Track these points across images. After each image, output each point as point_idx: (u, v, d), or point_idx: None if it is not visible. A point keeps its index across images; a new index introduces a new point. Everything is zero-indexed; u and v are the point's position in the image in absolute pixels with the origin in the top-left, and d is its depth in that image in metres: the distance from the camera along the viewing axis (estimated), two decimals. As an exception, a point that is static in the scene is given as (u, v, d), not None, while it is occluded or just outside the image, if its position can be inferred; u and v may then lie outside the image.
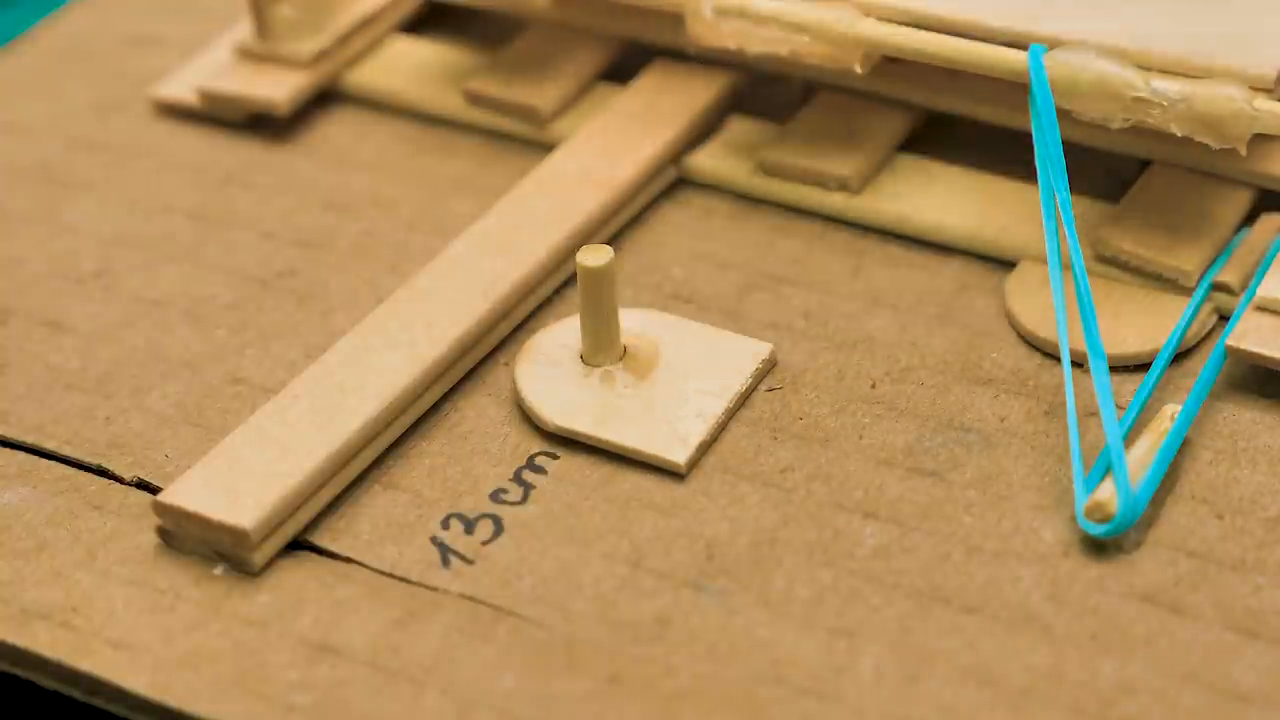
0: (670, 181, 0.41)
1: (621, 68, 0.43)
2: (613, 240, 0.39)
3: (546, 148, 0.41)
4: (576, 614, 0.32)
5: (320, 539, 0.33)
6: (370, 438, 0.34)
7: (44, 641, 0.32)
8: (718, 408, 0.35)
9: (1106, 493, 0.32)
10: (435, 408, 0.36)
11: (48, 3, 0.51)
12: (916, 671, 0.31)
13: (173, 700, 0.31)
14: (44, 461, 0.36)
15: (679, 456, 0.34)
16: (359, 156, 0.42)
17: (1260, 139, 0.36)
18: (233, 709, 0.31)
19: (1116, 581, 0.32)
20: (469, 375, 0.36)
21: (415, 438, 0.35)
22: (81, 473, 0.35)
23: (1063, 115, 0.36)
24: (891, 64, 0.39)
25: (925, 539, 0.33)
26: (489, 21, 0.41)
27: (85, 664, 0.31)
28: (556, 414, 0.35)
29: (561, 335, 0.36)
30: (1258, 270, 0.36)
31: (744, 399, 0.35)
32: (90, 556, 0.33)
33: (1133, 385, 0.35)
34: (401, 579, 0.33)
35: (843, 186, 0.39)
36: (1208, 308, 0.36)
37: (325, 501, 0.34)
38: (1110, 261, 0.37)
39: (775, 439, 0.35)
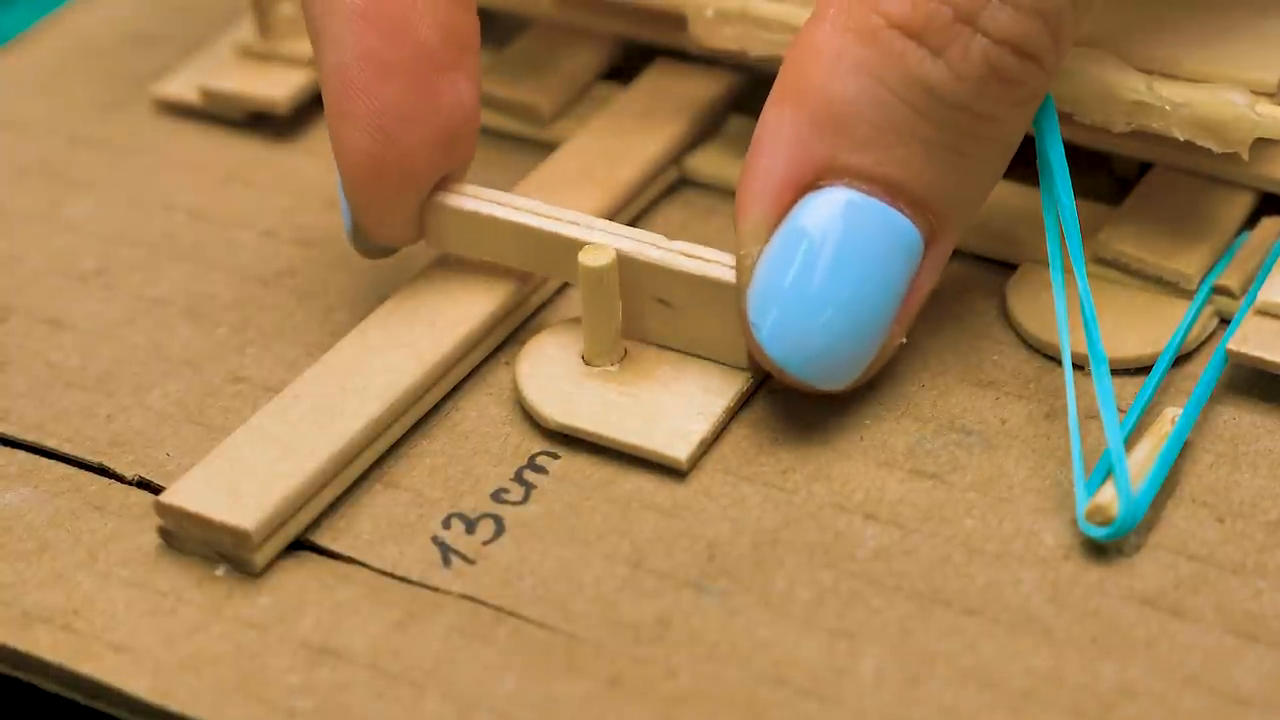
0: (672, 182, 0.41)
1: (622, 68, 0.43)
2: (614, 240, 0.39)
3: (547, 148, 0.41)
4: (577, 614, 0.32)
5: (321, 539, 0.33)
6: (372, 438, 0.34)
7: (45, 645, 0.32)
8: (719, 406, 0.35)
9: (1107, 496, 0.32)
10: (436, 407, 0.36)
11: (48, 2, 0.51)
12: (917, 673, 0.31)
13: (174, 705, 0.31)
14: (45, 461, 0.36)
15: (680, 453, 0.34)
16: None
17: (1262, 143, 0.36)
18: (234, 713, 0.31)
19: (1117, 584, 0.32)
20: (470, 375, 0.37)
21: (416, 437, 0.35)
22: (82, 472, 0.35)
23: (1064, 118, 0.36)
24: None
25: (926, 541, 0.33)
26: (490, 21, 0.40)
27: (86, 668, 0.31)
28: (557, 412, 0.35)
29: (563, 335, 0.36)
30: (1259, 274, 0.36)
31: (745, 399, 0.35)
32: (91, 558, 0.33)
33: (1133, 388, 0.35)
34: (402, 579, 0.33)
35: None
36: (1208, 311, 0.36)
37: (327, 502, 0.34)
38: (1111, 264, 0.37)
39: (776, 440, 0.35)
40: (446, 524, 0.34)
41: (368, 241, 0.37)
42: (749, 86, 0.42)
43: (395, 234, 0.37)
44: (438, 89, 0.35)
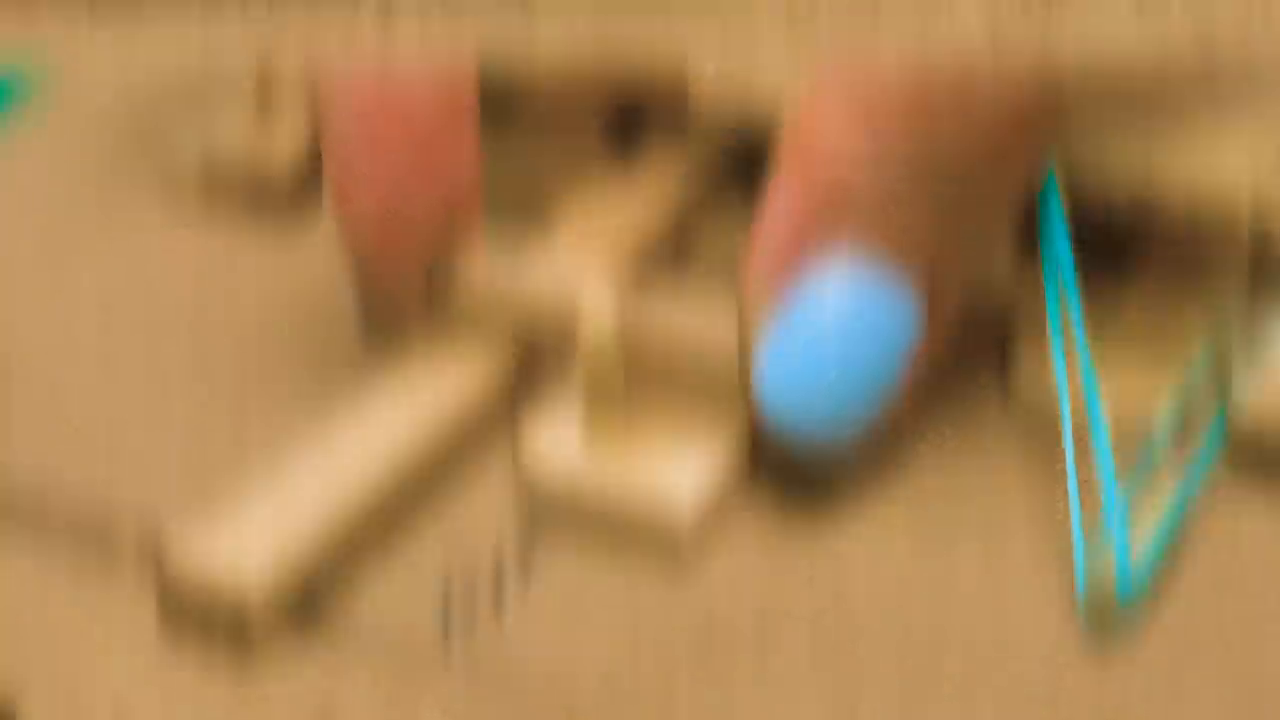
0: (671, 250, 0.41)
1: (622, 132, 0.43)
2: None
3: (544, 220, 0.41)
4: (579, 688, 0.32)
5: (321, 608, 0.33)
6: (374, 506, 0.34)
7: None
8: (719, 475, 0.35)
9: (1108, 570, 0.32)
10: (438, 475, 0.36)
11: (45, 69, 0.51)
12: (918, 748, 0.31)
13: (174, 786, 0.31)
14: (44, 529, 0.35)
15: (681, 521, 0.34)
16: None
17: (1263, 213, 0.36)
18: (235, 793, 0.31)
19: (1118, 660, 0.32)
20: (471, 444, 0.37)
21: (418, 506, 0.35)
22: (82, 539, 0.35)
23: (1065, 187, 0.36)
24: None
25: (926, 613, 0.33)
26: (485, 91, 0.41)
27: (84, 742, 0.32)
28: (557, 484, 0.35)
29: (565, 406, 0.36)
30: (1259, 341, 0.36)
31: (745, 468, 0.35)
32: (90, 625, 0.33)
33: (1134, 457, 0.35)
34: (403, 650, 0.33)
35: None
36: (1210, 378, 0.36)
37: (328, 570, 0.34)
38: (1111, 331, 0.37)
39: (776, 510, 0.35)
40: (448, 596, 0.34)
41: (377, 323, 0.37)
42: (749, 154, 0.42)
43: (404, 310, 0.37)
44: (435, 158, 0.36)
